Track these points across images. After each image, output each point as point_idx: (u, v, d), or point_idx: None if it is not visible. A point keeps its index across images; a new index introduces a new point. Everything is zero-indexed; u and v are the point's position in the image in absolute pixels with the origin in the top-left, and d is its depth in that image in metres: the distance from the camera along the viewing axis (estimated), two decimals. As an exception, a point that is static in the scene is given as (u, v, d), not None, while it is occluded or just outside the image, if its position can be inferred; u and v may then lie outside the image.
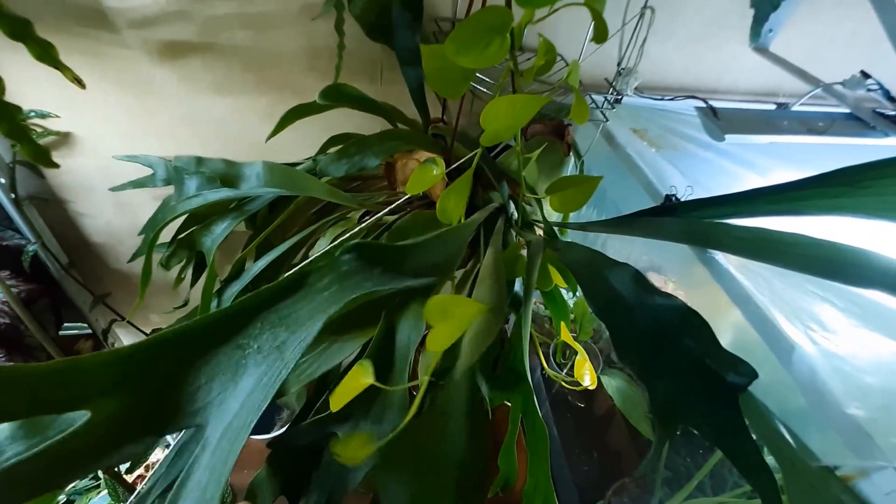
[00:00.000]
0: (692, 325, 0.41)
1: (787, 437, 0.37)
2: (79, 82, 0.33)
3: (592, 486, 0.89)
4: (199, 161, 0.61)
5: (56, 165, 0.39)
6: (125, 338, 1.14)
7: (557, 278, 0.62)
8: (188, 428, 0.26)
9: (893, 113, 0.61)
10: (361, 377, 0.34)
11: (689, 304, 0.42)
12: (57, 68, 0.31)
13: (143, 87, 0.74)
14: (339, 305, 0.31)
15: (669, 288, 0.93)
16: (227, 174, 0.59)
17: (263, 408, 0.27)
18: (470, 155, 0.58)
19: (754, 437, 0.37)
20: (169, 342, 0.26)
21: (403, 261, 0.37)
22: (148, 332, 1.02)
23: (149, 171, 0.70)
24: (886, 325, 0.46)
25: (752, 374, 0.39)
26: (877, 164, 0.40)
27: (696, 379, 0.40)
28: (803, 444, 0.37)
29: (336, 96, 0.58)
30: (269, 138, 0.61)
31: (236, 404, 0.26)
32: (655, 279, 1.15)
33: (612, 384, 0.85)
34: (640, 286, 0.44)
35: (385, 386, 0.46)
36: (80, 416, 0.23)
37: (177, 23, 0.67)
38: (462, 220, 0.61)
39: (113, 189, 0.69)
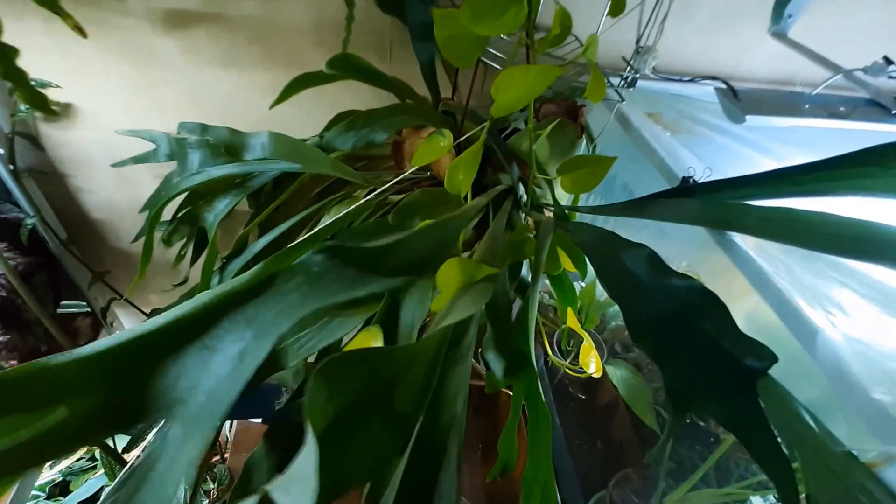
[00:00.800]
0: (709, 307, 0.40)
1: (810, 421, 0.36)
2: (80, 30, 0.32)
3: (594, 476, 0.88)
4: (204, 128, 0.59)
5: (54, 112, 0.38)
6: (124, 317, 1.13)
7: (566, 262, 0.61)
8: (158, 422, 0.27)
9: (918, 100, 0.59)
10: (371, 342, 0.32)
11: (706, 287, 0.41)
12: (57, 14, 0.30)
13: (147, 59, 0.72)
14: (307, 310, 0.30)
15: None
16: (232, 143, 0.58)
17: (230, 403, 0.27)
18: (479, 128, 0.56)
19: (772, 423, 0.35)
20: (138, 343, 0.27)
21: (382, 261, 0.35)
22: (147, 311, 1.00)
23: (151, 146, 0.69)
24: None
25: (772, 358, 0.37)
26: (908, 144, 0.38)
27: (712, 363, 0.39)
28: (826, 429, 0.36)
29: (344, 67, 0.56)
30: (272, 106, 0.60)
31: (202, 401, 0.27)
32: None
33: (617, 374, 0.84)
34: (656, 267, 0.43)
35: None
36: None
37: (182, -9, 0.66)
38: (468, 199, 0.59)
39: (115, 165, 0.68)
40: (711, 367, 0.39)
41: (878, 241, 0.35)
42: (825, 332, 0.38)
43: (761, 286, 0.44)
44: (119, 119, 0.79)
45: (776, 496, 0.62)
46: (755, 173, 0.46)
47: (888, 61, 0.63)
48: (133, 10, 0.67)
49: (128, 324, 1.14)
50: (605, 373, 0.86)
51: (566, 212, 0.65)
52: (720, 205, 0.47)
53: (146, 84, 0.75)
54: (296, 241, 0.51)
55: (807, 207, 0.48)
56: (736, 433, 0.37)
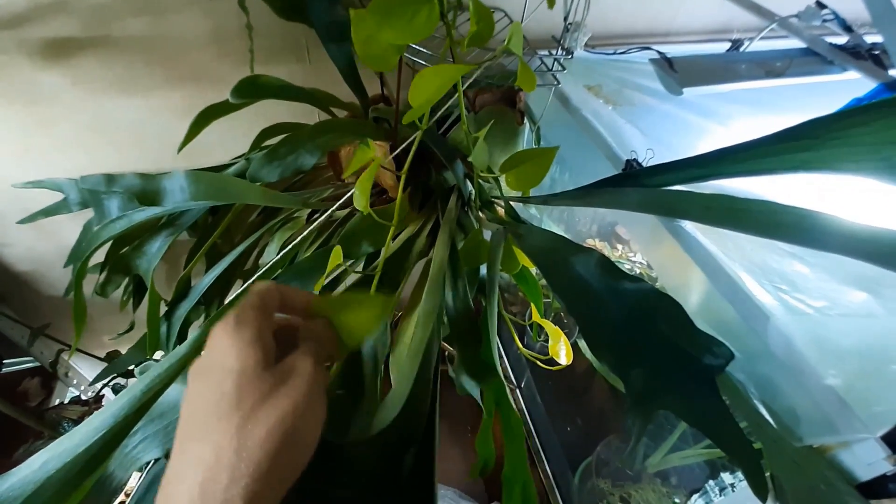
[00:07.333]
0: (664, 308, 0.39)
1: (766, 415, 0.37)
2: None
3: (580, 444, 0.91)
4: (110, 179, 0.53)
5: None
6: (79, 365, 1.07)
7: (524, 259, 0.59)
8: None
9: (852, 44, 0.58)
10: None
11: (658, 287, 0.40)
12: None
13: (33, 97, 0.63)
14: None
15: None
16: (146, 191, 0.52)
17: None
18: (411, 138, 0.53)
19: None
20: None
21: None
22: (102, 356, 0.95)
23: (60, 196, 0.62)
24: (855, 274, 0.45)
25: (729, 355, 0.37)
26: (842, 115, 0.37)
27: (672, 364, 0.38)
28: (783, 422, 0.36)
29: (253, 91, 0.50)
30: (180, 149, 0.54)
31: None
32: (623, 232, 1.14)
33: (590, 347, 0.85)
34: (608, 272, 0.41)
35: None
36: None
37: (55, 17, 0.57)
38: (407, 215, 0.56)
39: (21, 222, 0.61)
40: (671, 369, 0.38)
41: (810, 228, 0.34)
42: (776, 319, 0.38)
43: (711, 273, 0.43)
44: (18, 166, 0.70)
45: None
46: (696, 155, 0.44)
47: (821, 6, 0.61)
48: (2, 45, 0.58)
49: (85, 371, 1.08)
50: (578, 347, 0.88)
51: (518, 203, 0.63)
52: (664, 193, 0.46)
53: (38, 124, 0.67)
54: (234, 297, 0.48)
55: (753, 188, 0.47)
56: (701, 430, 0.37)
